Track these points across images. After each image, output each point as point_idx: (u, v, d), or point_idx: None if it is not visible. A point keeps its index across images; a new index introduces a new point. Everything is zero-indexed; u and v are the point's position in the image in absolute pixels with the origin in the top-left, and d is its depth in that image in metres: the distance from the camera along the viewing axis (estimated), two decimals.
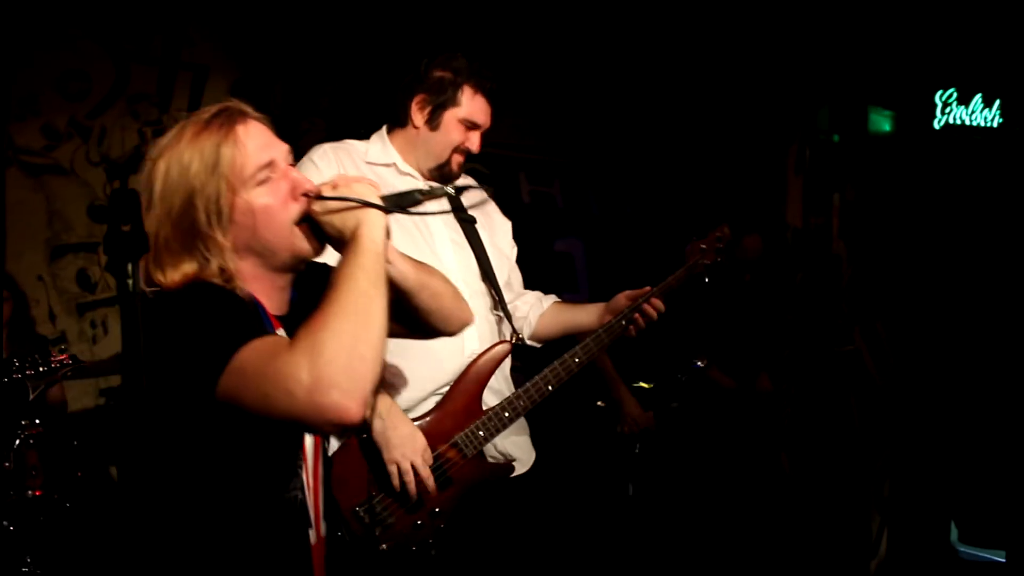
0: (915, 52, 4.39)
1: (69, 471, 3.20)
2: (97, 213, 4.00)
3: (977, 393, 4.34)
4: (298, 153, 2.51)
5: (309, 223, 1.54)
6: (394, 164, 2.46)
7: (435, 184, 1.72)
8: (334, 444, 2.32)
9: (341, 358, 1.31)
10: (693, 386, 3.66)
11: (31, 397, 2.97)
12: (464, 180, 2.60)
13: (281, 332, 1.56)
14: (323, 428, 1.41)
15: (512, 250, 2.70)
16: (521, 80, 4.44)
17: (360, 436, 2.23)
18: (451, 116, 2.42)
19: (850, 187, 4.59)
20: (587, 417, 3.61)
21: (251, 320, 1.47)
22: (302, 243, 1.54)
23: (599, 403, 3.60)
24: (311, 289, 1.56)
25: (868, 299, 4.60)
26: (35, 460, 3.05)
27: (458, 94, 2.42)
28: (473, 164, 2.78)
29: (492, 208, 2.71)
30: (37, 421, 3.07)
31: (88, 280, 3.98)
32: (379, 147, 2.49)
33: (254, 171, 1.50)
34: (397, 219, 2.35)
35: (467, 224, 2.51)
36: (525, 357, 2.78)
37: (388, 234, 1.52)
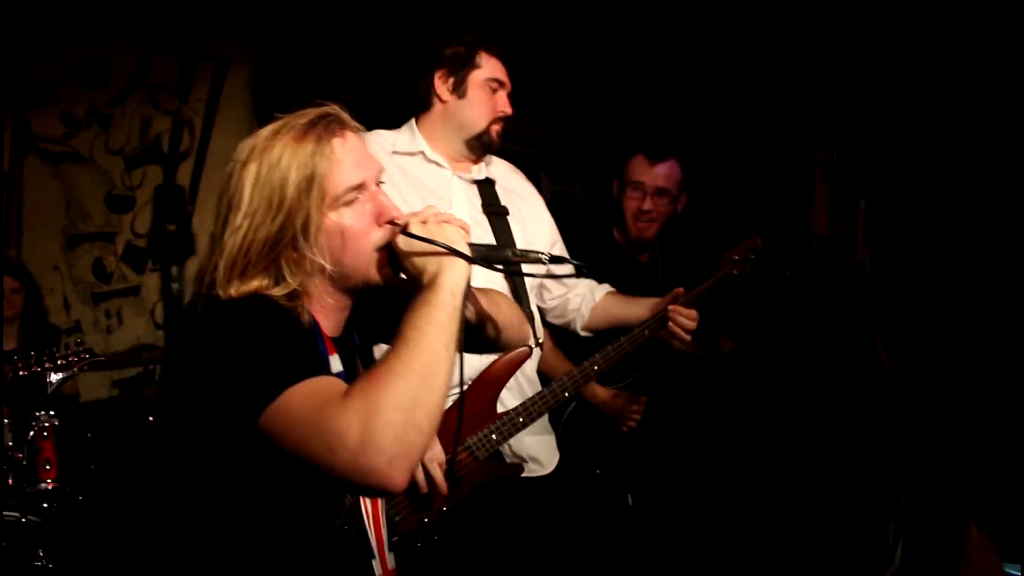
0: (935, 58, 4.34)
1: (82, 463, 3.19)
2: (115, 202, 3.97)
3: (998, 405, 4.29)
4: None
5: (388, 251, 1.46)
6: (421, 153, 2.44)
7: (532, 251, 1.65)
8: None
9: (396, 424, 1.22)
10: (658, 368, 3.36)
11: (48, 391, 2.94)
12: (498, 166, 2.58)
13: (335, 360, 1.49)
14: (360, 489, 1.34)
15: (552, 243, 2.63)
16: (543, 78, 4.40)
17: None
18: (475, 79, 2.45)
19: (876, 194, 4.53)
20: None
21: (308, 351, 1.38)
22: (377, 271, 1.47)
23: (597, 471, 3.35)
24: (367, 309, 1.50)
25: (891, 307, 4.55)
26: (49, 452, 3.02)
27: (476, 58, 2.46)
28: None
29: (533, 201, 2.64)
30: (52, 413, 3.05)
31: (104, 270, 3.96)
32: (407, 136, 2.47)
33: (345, 191, 1.42)
34: (419, 195, 2.35)
35: (497, 217, 2.46)
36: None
37: (468, 286, 1.43)
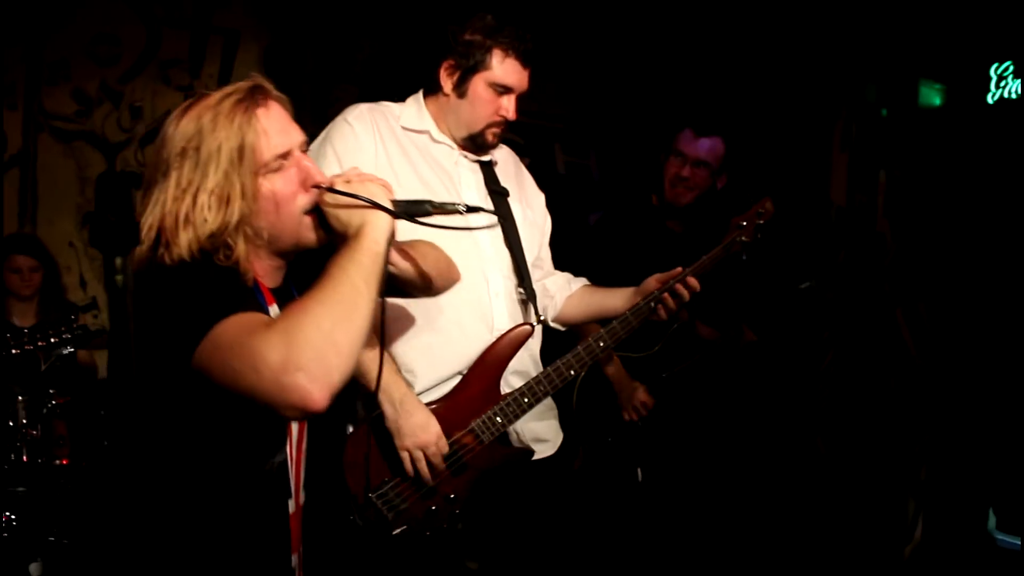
0: (968, 23, 4.22)
1: (96, 440, 3.20)
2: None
3: (1020, 379, 4.21)
4: (330, 120, 2.45)
5: (317, 214, 1.55)
6: (428, 132, 2.37)
7: (449, 203, 1.67)
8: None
9: (315, 343, 1.32)
10: (678, 347, 3.31)
11: (42, 368, 2.95)
12: (499, 150, 2.50)
13: (274, 309, 1.58)
14: (284, 411, 1.38)
15: (546, 223, 2.60)
16: (559, 48, 4.34)
17: (371, 421, 2.17)
18: (479, 81, 2.29)
19: (897, 164, 4.44)
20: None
21: (240, 295, 1.48)
22: (308, 233, 1.56)
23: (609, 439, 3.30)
24: (305, 265, 1.59)
25: (911, 279, 4.47)
26: (63, 429, 3.04)
27: (487, 57, 2.28)
28: (507, 134, 2.68)
29: (527, 179, 2.61)
30: (58, 391, 3.07)
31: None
32: (414, 112, 2.38)
33: (271, 159, 1.51)
34: (434, 174, 2.30)
35: (499, 197, 2.42)
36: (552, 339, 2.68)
37: (392, 238, 1.52)
